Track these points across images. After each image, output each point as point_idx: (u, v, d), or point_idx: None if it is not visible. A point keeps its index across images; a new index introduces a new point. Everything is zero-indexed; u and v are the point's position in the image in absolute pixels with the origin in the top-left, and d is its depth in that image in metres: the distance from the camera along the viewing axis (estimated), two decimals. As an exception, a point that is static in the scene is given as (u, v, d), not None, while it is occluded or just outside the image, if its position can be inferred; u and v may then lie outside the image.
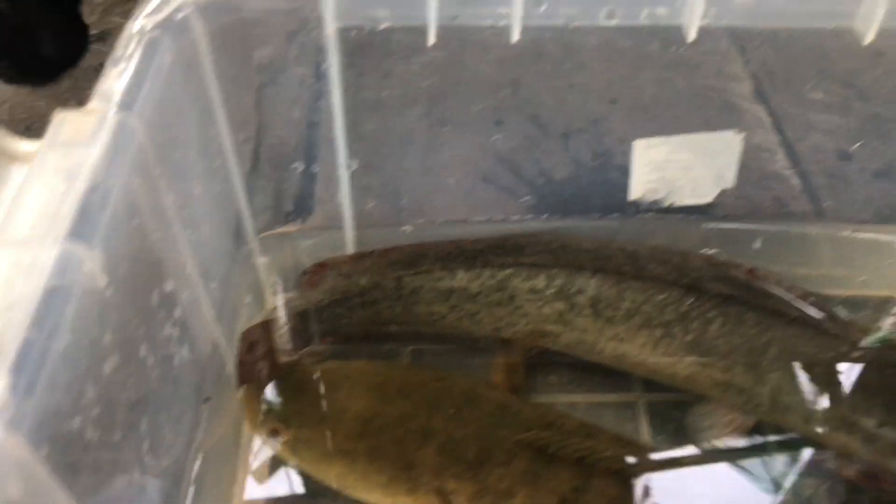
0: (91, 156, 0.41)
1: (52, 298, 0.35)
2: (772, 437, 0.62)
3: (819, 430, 0.59)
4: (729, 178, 0.64)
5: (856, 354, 0.59)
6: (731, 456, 0.61)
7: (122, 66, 0.46)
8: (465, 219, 0.66)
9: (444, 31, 0.53)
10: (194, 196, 0.54)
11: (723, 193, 0.65)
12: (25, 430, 0.31)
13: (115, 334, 0.40)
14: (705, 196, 0.66)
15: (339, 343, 0.69)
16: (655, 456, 0.60)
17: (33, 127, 0.70)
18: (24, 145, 0.47)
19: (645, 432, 0.66)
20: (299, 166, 0.62)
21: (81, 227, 0.38)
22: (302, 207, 0.65)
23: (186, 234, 0.52)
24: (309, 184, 0.63)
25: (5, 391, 0.31)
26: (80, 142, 0.42)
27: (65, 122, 0.43)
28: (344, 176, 0.62)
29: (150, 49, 0.48)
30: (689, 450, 0.63)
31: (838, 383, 0.58)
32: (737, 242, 0.69)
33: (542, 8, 0.52)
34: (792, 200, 0.69)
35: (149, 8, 0.50)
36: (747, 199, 0.69)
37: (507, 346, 0.69)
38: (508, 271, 0.68)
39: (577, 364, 0.68)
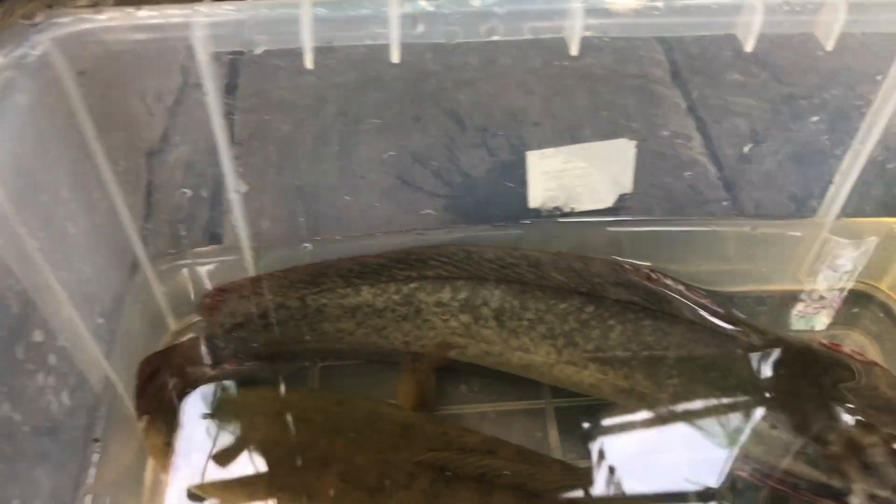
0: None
1: None
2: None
3: (720, 433, 0.60)
4: (626, 184, 0.64)
5: (752, 357, 0.60)
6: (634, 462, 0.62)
7: (-30, 112, 0.44)
8: (365, 233, 0.66)
9: (323, 53, 0.52)
10: (69, 235, 0.52)
11: (623, 197, 0.65)
12: None
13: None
14: (604, 201, 0.66)
15: (246, 365, 0.68)
16: (560, 468, 0.60)
17: None
18: None
19: (554, 438, 0.66)
20: (188, 192, 0.60)
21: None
22: (197, 232, 0.63)
23: (60, 277, 0.50)
24: (202, 209, 0.62)
25: None
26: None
27: None
28: (235, 199, 0.60)
29: (2, 93, 0.45)
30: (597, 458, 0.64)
31: (734, 387, 0.59)
32: (642, 242, 0.70)
33: (420, 29, 0.51)
34: (706, 189, 0.69)
35: (1, 47, 0.48)
36: (662, 188, 0.69)
37: (417, 360, 0.69)
38: (413, 285, 0.68)
39: (487, 373, 0.68)
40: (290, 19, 0.51)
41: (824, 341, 0.63)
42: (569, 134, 0.60)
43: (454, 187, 0.64)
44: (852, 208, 0.67)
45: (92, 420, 0.55)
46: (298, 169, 0.61)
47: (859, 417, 0.56)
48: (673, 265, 0.71)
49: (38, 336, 0.47)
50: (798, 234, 0.70)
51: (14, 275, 0.45)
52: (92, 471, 0.54)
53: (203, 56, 0.52)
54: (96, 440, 0.55)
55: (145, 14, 0.51)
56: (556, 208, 0.66)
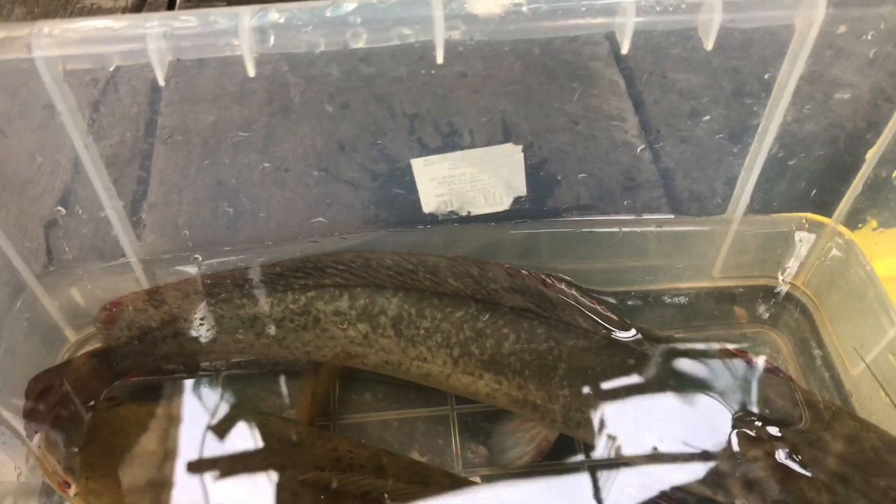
0: None
1: None
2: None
3: (608, 442, 0.59)
4: (520, 187, 0.62)
5: (643, 367, 0.58)
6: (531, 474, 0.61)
7: None
8: (257, 243, 0.64)
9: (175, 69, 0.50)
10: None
11: (518, 199, 0.64)
12: None
13: None
14: (500, 205, 0.64)
15: (146, 379, 0.68)
16: (450, 482, 0.60)
17: None
18: None
19: (456, 445, 0.66)
20: (62, 210, 0.59)
21: None
22: (82, 248, 0.62)
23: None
24: (81, 225, 0.60)
25: None
26: None
27: None
28: (112, 215, 0.59)
29: None
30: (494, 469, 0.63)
31: (625, 397, 0.57)
32: (547, 242, 0.68)
33: (272, 41, 0.49)
34: (608, 189, 0.67)
35: None
36: (594, 175, 0.66)
37: (316, 369, 0.68)
38: (311, 294, 0.66)
39: (391, 380, 0.68)
40: (139, 36, 0.49)
41: (730, 347, 0.61)
42: (451, 140, 0.57)
43: (345, 195, 0.62)
44: (759, 204, 0.65)
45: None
46: (177, 183, 0.59)
47: (746, 430, 0.54)
48: (583, 264, 0.70)
49: None
50: (707, 229, 0.68)
51: None
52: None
53: (48, 77, 0.50)
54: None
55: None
56: (452, 212, 0.65)
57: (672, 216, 0.66)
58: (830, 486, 0.52)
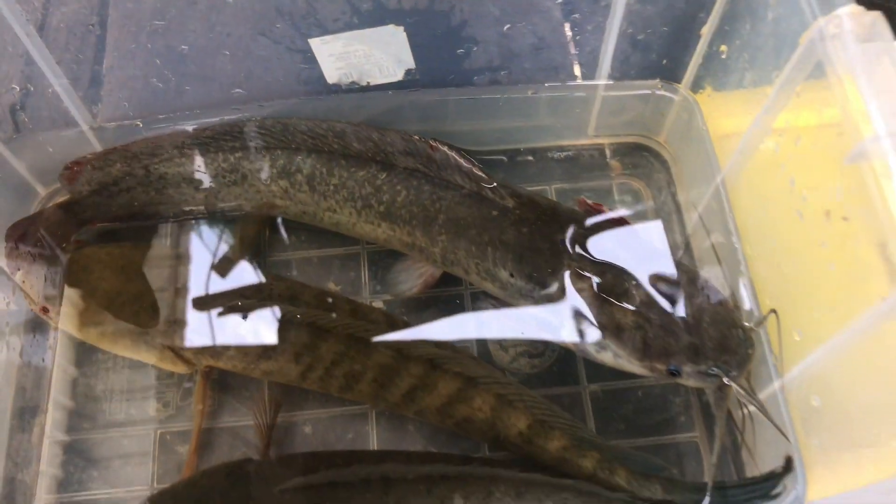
0: None
1: None
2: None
3: (477, 279, 0.73)
4: (408, 61, 0.72)
5: (505, 218, 0.71)
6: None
7: None
8: (187, 111, 0.75)
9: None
10: None
11: (410, 71, 0.74)
12: None
13: None
14: (394, 76, 0.74)
15: (108, 225, 0.81)
16: (352, 305, 0.75)
17: None
18: None
19: (365, 277, 0.80)
20: (16, 88, 0.70)
21: None
22: (40, 119, 0.73)
23: None
24: (35, 99, 0.71)
25: None
26: None
27: None
28: (60, 91, 0.70)
29: None
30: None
31: (487, 243, 0.70)
32: (439, 107, 0.79)
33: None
34: (488, 62, 0.75)
35: None
36: (472, 51, 0.75)
37: (247, 217, 0.81)
38: (239, 154, 0.78)
39: (313, 227, 0.81)
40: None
41: (589, 201, 0.73)
42: (344, 23, 0.67)
43: (253, 71, 0.72)
44: (619, 73, 0.75)
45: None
46: (108, 62, 0.70)
47: (576, 267, 0.68)
48: (475, 125, 0.82)
49: None
50: (579, 94, 0.78)
51: None
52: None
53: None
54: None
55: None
56: (353, 83, 0.75)
57: (545, 84, 0.77)
58: (637, 312, 0.66)
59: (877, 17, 0.53)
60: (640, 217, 0.81)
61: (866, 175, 0.49)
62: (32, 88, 0.69)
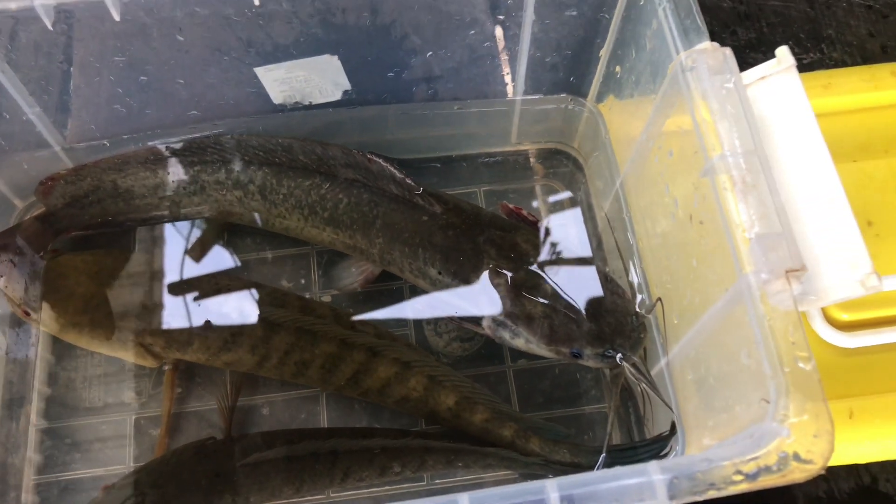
0: None
1: None
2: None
3: (410, 276, 0.83)
4: (344, 83, 0.82)
5: (433, 222, 0.80)
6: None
7: None
8: (149, 130, 0.84)
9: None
10: None
11: (346, 91, 0.83)
12: None
13: None
14: (332, 96, 0.84)
15: (82, 233, 0.90)
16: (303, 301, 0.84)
17: None
18: None
19: (315, 275, 0.90)
20: (-6, 115, 0.78)
21: None
22: (15, 143, 0.81)
23: None
24: (10, 126, 0.79)
25: None
26: None
27: None
28: (34, 118, 0.78)
29: None
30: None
31: (418, 244, 0.80)
32: (375, 122, 0.88)
33: (127, -5, 0.66)
34: (434, 72, 0.84)
35: None
36: (399, 75, 0.83)
37: (207, 223, 0.90)
38: (197, 168, 0.87)
39: (263, 230, 0.90)
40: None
41: (510, 205, 0.83)
42: (283, 53, 0.76)
43: (206, 96, 0.81)
44: (532, 89, 0.85)
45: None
46: (75, 92, 0.78)
47: (493, 264, 0.78)
48: (409, 134, 0.91)
49: None
50: (500, 109, 0.88)
51: None
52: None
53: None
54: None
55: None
56: (297, 103, 0.84)
57: (468, 100, 0.86)
58: (546, 303, 0.76)
59: (727, 53, 0.63)
60: (560, 213, 0.92)
61: (715, 187, 0.60)
62: (8, 116, 0.77)
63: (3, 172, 0.85)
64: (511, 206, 0.84)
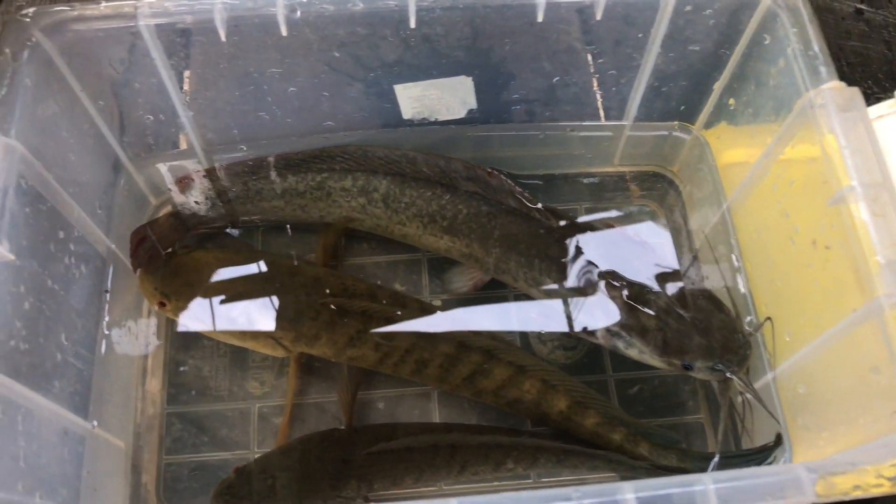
0: (-12, 174, 0.65)
1: (-18, 276, 0.61)
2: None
3: (524, 286, 0.88)
4: (471, 102, 0.87)
5: (550, 235, 0.86)
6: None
7: (-3, 97, 0.68)
8: (285, 137, 0.90)
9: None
10: (71, 161, 0.77)
11: (471, 110, 0.89)
12: (-18, 357, 0.59)
13: (26, 284, 0.67)
14: (458, 114, 0.89)
15: (209, 231, 0.96)
16: (418, 305, 0.89)
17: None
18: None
19: (425, 280, 0.95)
20: (150, 117, 0.84)
21: (-9, 230, 0.63)
22: (164, 143, 0.88)
23: (70, 191, 0.76)
24: (163, 127, 0.85)
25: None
26: (-21, 163, 0.65)
27: (-34, 148, 0.66)
28: (185, 121, 0.85)
29: (15, 79, 0.68)
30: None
31: (534, 256, 0.86)
32: (492, 139, 0.94)
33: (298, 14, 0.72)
34: (556, 95, 0.90)
35: (8, 39, 0.70)
36: (526, 96, 0.90)
37: (328, 227, 0.96)
38: (325, 175, 0.93)
39: (381, 238, 0.96)
40: (207, 7, 0.73)
41: (610, 223, 0.89)
42: (423, 73, 0.82)
43: (345, 108, 0.87)
44: (644, 116, 0.90)
45: (101, 278, 0.84)
46: (227, 99, 0.84)
47: (610, 280, 0.83)
48: (518, 153, 0.97)
49: (61, 234, 0.74)
50: (608, 134, 0.94)
51: (42, 199, 0.71)
52: (106, 306, 0.84)
53: (148, 34, 0.74)
54: (106, 291, 0.84)
55: (102, 6, 0.73)
56: (424, 119, 0.90)
57: (581, 123, 0.92)
58: (658, 317, 0.81)
59: (854, 92, 0.69)
60: (656, 235, 0.97)
61: (844, 216, 0.65)
62: (163, 118, 0.83)
63: (144, 170, 0.91)
64: (613, 223, 0.90)
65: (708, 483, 0.55)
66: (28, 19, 0.71)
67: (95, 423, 0.77)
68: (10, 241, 0.64)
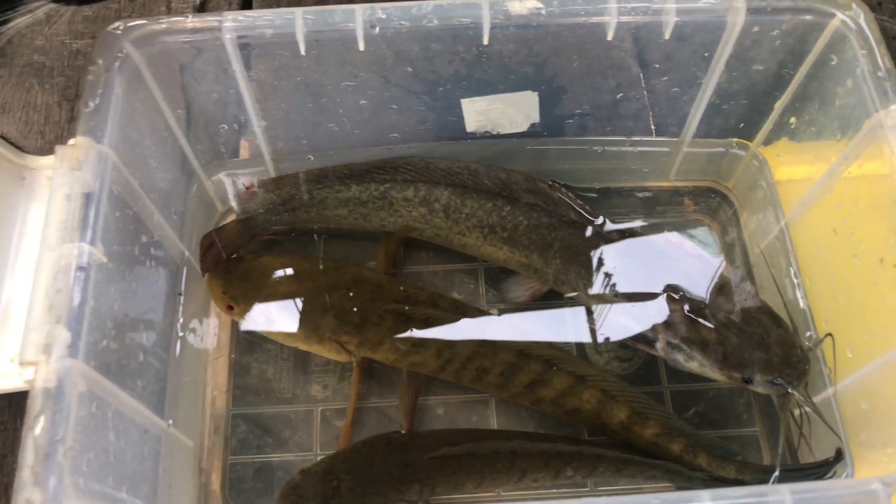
0: (84, 179, 0.67)
1: (80, 277, 0.64)
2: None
3: (582, 297, 0.90)
4: (534, 117, 0.90)
5: (608, 246, 0.88)
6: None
7: (91, 106, 0.70)
8: (352, 148, 0.93)
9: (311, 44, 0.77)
10: (152, 168, 0.80)
11: (533, 124, 0.91)
12: (81, 356, 0.61)
13: (115, 285, 0.70)
14: (520, 128, 0.92)
15: (272, 238, 0.98)
16: (476, 312, 0.91)
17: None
18: (33, 160, 0.72)
19: (482, 289, 0.97)
20: (225, 127, 0.87)
21: (87, 234, 0.65)
22: (233, 150, 0.91)
23: (151, 197, 0.79)
24: (234, 136, 0.88)
25: (68, 336, 0.61)
26: (75, 168, 0.68)
27: (63, 155, 0.68)
28: (258, 131, 0.87)
29: (108, 89, 0.71)
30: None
31: (591, 266, 0.88)
32: (550, 152, 0.96)
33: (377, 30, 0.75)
34: (618, 110, 0.92)
35: (101, 50, 0.73)
36: (587, 111, 0.92)
37: (389, 236, 0.98)
38: (388, 185, 0.95)
39: (439, 248, 0.98)
40: (288, 21, 0.75)
41: (668, 237, 0.90)
42: (490, 87, 0.85)
43: (412, 120, 0.89)
44: (703, 132, 0.92)
45: (176, 281, 0.87)
46: (300, 110, 0.87)
47: (671, 293, 0.85)
48: (576, 166, 0.99)
49: (143, 238, 0.77)
50: (666, 149, 0.95)
51: (128, 204, 0.74)
52: (181, 309, 0.87)
53: (230, 46, 0.76)
54: (180, 294, 0.87)
55: (189, 19, 0.76)
56: (487, 132, 0.92)
57: (641, 138, 0.94)
58: (718, 330, 0.83)
59: (925, 113, 0.70)
60: (710, 249, 0.98)
61: (914, 235, 0.66)
62: (237, 127, 0.86)
63: (213, 177, 0.93)
64: (671, 237, 0.91)
65: (785, 493, 0.56)
66: (119, 32, 0.74)
67: (171, 421, 0.80)
68: (103, 245, 0.67)
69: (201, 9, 1.14)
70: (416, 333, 0.87)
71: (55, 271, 0.64)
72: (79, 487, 0.59)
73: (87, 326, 0.63)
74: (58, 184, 0.68)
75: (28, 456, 0.57)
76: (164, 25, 0.75)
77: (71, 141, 0.70)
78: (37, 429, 0.59)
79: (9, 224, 0.69)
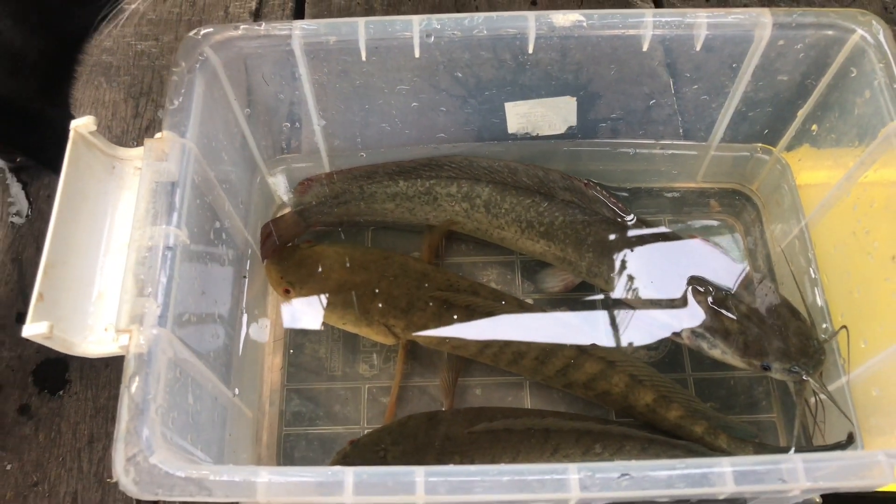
0: (170, 169, 0.75)
1: (167, 256, 0.72)
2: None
3: (613, 287, 0.96)
4: (571, 120, 0.96)
5: (640, 244, 0.95)
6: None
7: (175, 104, 0.78)
8: (401, 146, 1.00)
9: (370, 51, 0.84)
10: (224, 161, 0.88)
11: (571, 127, 0.98)
12: (169, 326, 0.69)
13: (195, 264, 0.78)
14: (558, 130, 0.98)
15: (325, 228, 1.06)
16: (516, 302, 0.98)
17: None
18: (123, 152, 0.80)
19: (518, 279, 1.04)
20: (287, 125, 0.95)
21: (173, 218, 0.73)
22: (293, 146, 0.99)
23: (223, 187, 0.87)
24: (296, 133, 0.96)
25: (158, 308, 0.69)
26: (162, 160, 0.76)
27: (151, 147, 0.76)
28: (317, 129, 0.95)
29: (190, 88, 0.79)
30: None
31: (622, 260, 0.94)
32: (585, 154, 1.03)
33: (431, 39, 0.82)
34: (651, 115, 0.99)
35: (183, 53, 0.81)
36: (622, 116, 0.99)
37: (433, 229, 1.05)
38: (433, 181, 1.02)
39: (478, 241, 1.05)
40: (352, 30, 0.83)
41: (695, 235, 0.97)
42: (532, 92, 0.92)
43: (458, 122, 0.97)
44: (729, 137, 0.98)
45: (242, 265, 0.95)
46: (356, 111, 0.95)
47: (696, 286, 0.91)
48: (609, 167, 1.05)
49: (217, 224, 0.85)
50: (694, 153, 1.02)
51: (204, 193, 0.82)
52: (245, 290, 0.95)
53: (299, 52, 0.84)
54: (245, 276, 0.95)
55: (262, 27, 0.84)
56: (527, 133, 0.99)
57: (670, 141, 1.00)
58: (740, 321, 0.89)
59: (936, 122, 0.76)
60: (734, 246, 1.05)
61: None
62: (299, 125, 0.94)
63: (274, 171, 1.01)
64: (697, 235, 0.98)
65: (797, 461, 0.62)
66: (199, 37, 0.83)
67: (237, 390, 0.88)
68: (187, 228, 0.75)
69: (257, 14, 1.23)
70: (458, 319, 0.94)
71: (146, 250, 0.72)
72: (167, 439, 0.66)
73: (174, 300, 0.71)
74: (147, 173, 0.76)
75: (124, 411, 0.65)
76: (240, 32, 0.83)
77: (157, 135, 0.78)
78: (133, 388, 0.66)
79: (101, 209, 0.77)
